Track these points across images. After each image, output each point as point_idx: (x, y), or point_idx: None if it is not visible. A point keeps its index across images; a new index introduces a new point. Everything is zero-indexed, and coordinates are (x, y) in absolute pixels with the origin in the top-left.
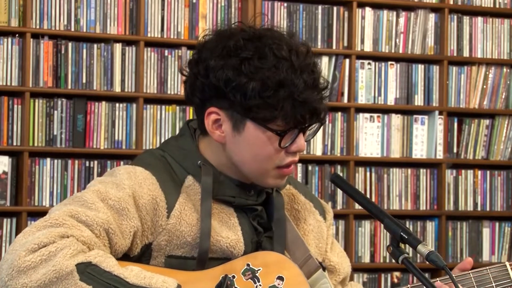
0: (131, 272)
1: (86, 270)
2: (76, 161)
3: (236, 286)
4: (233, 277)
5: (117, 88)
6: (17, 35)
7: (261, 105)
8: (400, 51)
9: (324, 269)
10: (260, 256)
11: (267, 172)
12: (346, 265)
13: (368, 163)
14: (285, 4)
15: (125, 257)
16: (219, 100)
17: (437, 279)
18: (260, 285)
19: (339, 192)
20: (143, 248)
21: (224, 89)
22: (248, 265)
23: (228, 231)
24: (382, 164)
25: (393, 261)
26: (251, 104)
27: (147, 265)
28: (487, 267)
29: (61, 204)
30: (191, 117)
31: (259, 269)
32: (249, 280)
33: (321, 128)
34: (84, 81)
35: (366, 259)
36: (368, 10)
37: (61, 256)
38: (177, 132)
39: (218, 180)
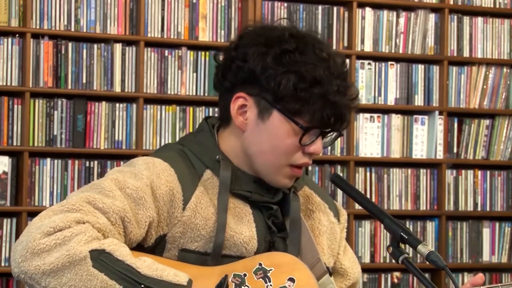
0: (143, 262)
1: (100, 257)
2: (76, 161)
3: (247, 284)
4: (245, 275)
5: (117, 88)
6: (17, 35)
7: (293, 97)
8: (400, 51)
9: (330, 274)
10: (273, 256)
11: (280, 169)
12: (357, 271)
13: (368, 163)
14: (285, 4)
15: (139, 247)
16: (250, 86)
17: None
18: (271, 285)
19: (339, 192)
20: (158, 239)
21: (260, 75)
22: (260, 264)
23: (242, 227)
24: (382, 164)
25: (393, 261)
26: (283, 93)
27: (160, 257)
28: (499, 284)
29: (79, 190)
30: (191, 118)
31: (271, 269)
32: (260, 279)
33: None
34: (84, 81)
35: (366, 259)
36: (368, 10)
37: (75, 242)
38: (178, 132)
39: (236, 175)
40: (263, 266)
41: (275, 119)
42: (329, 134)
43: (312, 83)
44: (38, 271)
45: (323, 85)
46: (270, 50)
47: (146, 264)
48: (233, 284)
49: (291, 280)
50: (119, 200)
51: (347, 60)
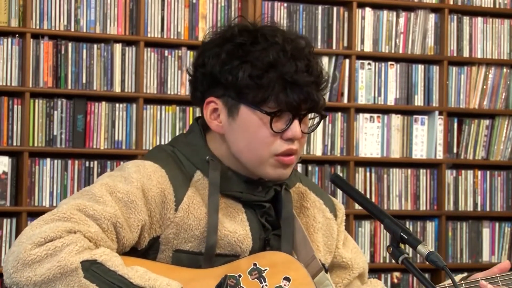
0: (136, 272)
1: (91, 268)
2: (76, 161)
3: (242, 285)
4: (239, 276)
5: (117, 88)
6: (17, 35)
7: (252, 86)
8: (400, 51)
9: (326, 271)
10: (267, 256)
11: (265, 161)
12: (361, 261)
13: (368, 163)
14: (285, 4)
15: (133, 250)
16: (215, 89)
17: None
18: (266, 285)
19: (339, 192)
20: (151, 241)
21: (218, 74)
22: (255, 264)
23: (236, 226)
24: (382, 164)
25: (393, 261)
26: (242, 85)
27: (153, 261)
28: (497, 275)
29: (70, 198)
30: (191, 117)
31: (266, 269)
32: (255, 280)
33: (321, 128)
34: (84, 81)
35: (366, 259)
36: (368, 10)
37: (66, 252)
38: (178, 133)
39: (226, 176)
40: (257, 266)
41: (243, 113)
42: (310, 118)
43: (267, 68)
44: (29, 282)
45: (278, 67)
46: (223, 48)
47: (138, 274)
48: (228, 285)
49: (287, 279)
50: (110, 206)
51: (347, 60)
